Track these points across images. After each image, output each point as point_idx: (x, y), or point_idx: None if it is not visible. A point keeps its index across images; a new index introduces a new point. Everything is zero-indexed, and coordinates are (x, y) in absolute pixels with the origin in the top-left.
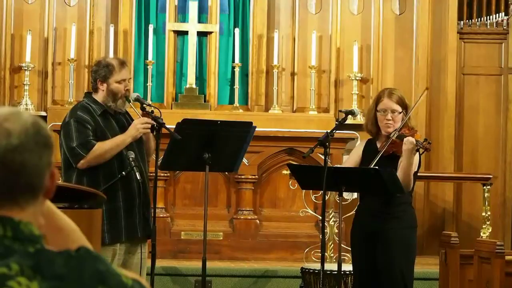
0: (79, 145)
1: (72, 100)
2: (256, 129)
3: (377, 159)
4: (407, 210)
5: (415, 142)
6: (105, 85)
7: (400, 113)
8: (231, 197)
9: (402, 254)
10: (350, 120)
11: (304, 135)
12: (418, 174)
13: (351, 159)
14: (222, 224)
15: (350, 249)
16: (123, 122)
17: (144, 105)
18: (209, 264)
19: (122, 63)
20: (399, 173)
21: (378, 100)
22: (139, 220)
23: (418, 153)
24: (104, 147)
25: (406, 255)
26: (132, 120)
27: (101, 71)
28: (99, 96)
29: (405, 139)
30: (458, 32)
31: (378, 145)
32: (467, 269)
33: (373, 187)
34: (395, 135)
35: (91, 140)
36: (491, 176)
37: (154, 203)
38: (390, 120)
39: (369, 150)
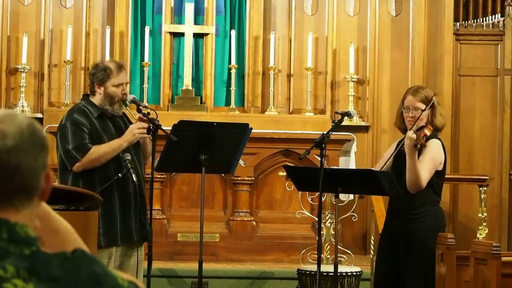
0: (74, 148)
1: (68, 102)
2: (253, 130)
3: (394, 154)
4: (430, 210)
5: (414, 137)
6: (102, 88)
7: (424, 110)
8: (227, 198)
9: (420, 257)
10: (346, 122)
11: (301, 137)
12: None
13: (383, 158)
14: (219, 226)
15: (346, 250)
16: (120, 124)
17: (140, 107)
18: (205, 266)
19: (120, 67)
20: (406, 171)
21: (403, 96)
22: (135, 223)
23: (443, 152)
24: (99, 151)
25: (424, 257)
26: (130, 122)
27: (98, 75)
28: (96, 99)
29: (406, 133)
30: (454, 34)
31: None
32: (464, 270)
33: (369, 188)
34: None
35: (87, 144)
36: (487, 177)
37: (150, 205)
38: (412, 117)
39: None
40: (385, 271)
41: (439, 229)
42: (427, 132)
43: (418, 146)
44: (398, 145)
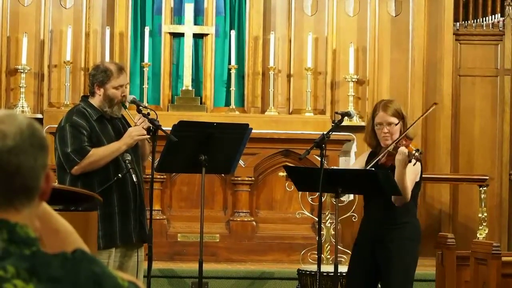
0: (73, 151)
1: (68, 103)
2: (252, 131)
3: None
4: (410, 222)
5: (407, 153)
6: (102, 90)
7: (397, 124)
8: (227, 199)
9: (401, 266)
10: (346, 122)
11: (300, 137)
12: None
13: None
14: (219, 226)
15: (347, 250)
16: (119, 127)
17: (140, 107)
18: (205, 266)
19: (120, 69)
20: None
21: (374, 113)
22: (134, 225)
23: (420, 163)
24: (98, 154)
25: (404, 267)
26: (129, 125)
27: (98, 76)
28: (96, 101)
29: (399, 149)
30: (454, 34)
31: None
32: (464, 271)
33: (369, 189)
34: (392, 147)
35: (86, 146)
36: (487, 178)
37: (150, 205)
38: (387, 133)
39: (371, 161)
40: (360, 280)
41: (418, 242)
42: (410, 146)
43: (414, 160)
44: (370, 157)
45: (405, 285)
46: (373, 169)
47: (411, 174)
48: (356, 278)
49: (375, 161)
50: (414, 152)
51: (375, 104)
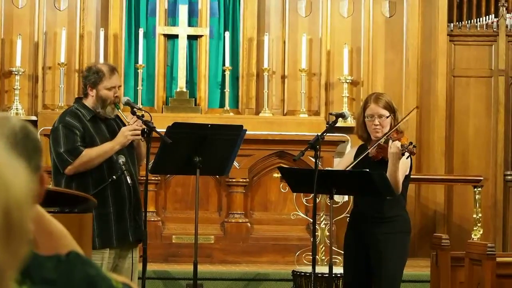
0: (66, 151)
1: (62, 104)
2: (247, 132)
3: (364, 162)
4: (400, 215)
5: (400, 146)
6: (94, 91)
7: (388, 117)
8: (222, 200)
9: (393, 259)
10: (340, 123)
11: (295, 138)
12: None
13: (342, 164)
14: (213, 228)
15: (341, 251)
16: (113, 127)
17: (135, 109)
18: (200, 268)
19: (112, 70)
20: (388, 177)
21: (365, 105)
22: (130, 224)
23: (409, 157)
24: (91, 154)
25: (397, 260)
26: (123, 124)
27: (91, 77)
28: (89, 102)
29: (390, 143)
30: (448, 34)
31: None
32: (458, 271)
33: (364, 190)
34: (383, 140)
35: (79, 147)
36: (482, 178)
37: (145, 207)
38: (377, 125)
39: (360, 155)
40: (354, 274)
41: (408, 235)
42: (402, 139)
43: (407, 153)
44: (359, 150)
45: (397, 279)
46: (367, 170)
47: (401, 168)
48: (351, 279)
49: (364, 154)
50: (407, 145)
51: (366, 96)
